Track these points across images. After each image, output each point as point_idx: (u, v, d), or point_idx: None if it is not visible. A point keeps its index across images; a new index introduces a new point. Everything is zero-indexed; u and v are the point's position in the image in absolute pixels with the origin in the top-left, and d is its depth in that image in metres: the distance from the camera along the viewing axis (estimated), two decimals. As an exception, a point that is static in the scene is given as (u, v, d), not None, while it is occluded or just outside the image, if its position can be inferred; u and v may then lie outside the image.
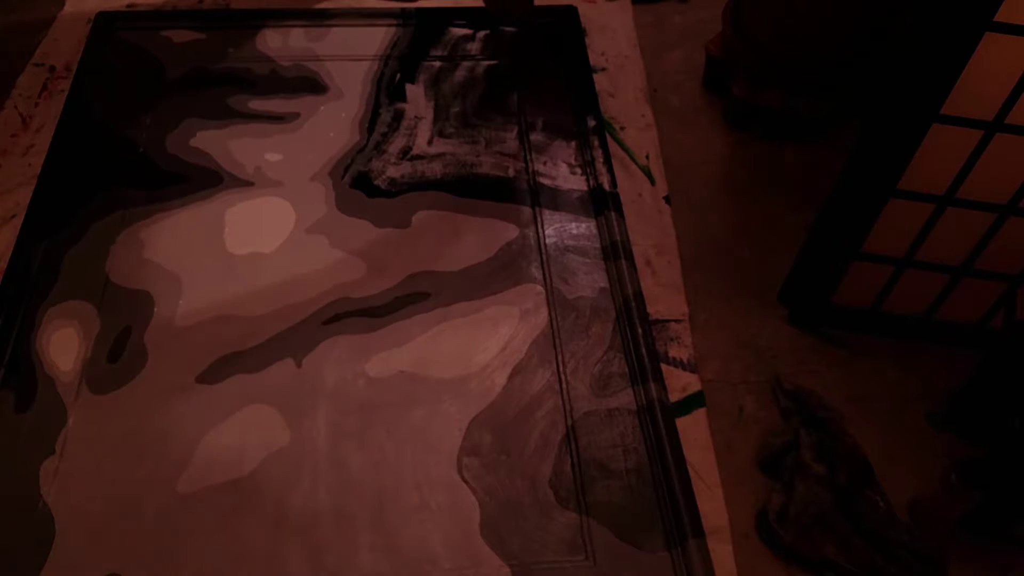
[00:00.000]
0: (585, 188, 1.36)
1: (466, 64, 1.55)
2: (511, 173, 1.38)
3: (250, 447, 1.06)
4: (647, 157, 1.43)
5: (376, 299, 1.21)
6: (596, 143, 1.41)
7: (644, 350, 1.14)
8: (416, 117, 1.46)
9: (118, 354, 1.14)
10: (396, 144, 1.41)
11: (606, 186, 1.34)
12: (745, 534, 1.04)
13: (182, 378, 1.12)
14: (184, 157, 1.37)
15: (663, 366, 1.15)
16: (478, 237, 1.29)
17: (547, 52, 1.58)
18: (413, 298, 1.21)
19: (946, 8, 0.86)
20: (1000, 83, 0.90)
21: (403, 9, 1.62)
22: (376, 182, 1.36)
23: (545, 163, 1.39)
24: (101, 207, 1.29)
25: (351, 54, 1.55)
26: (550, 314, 1.20)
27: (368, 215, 1.31)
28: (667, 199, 1.37)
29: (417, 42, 1.58)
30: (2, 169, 1.36)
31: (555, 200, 1.34)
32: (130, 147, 1.38)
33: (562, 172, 1.38)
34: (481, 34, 1.60)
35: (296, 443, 1.07)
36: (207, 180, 1.34)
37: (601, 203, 1.32)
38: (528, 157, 1.40)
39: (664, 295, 1.24)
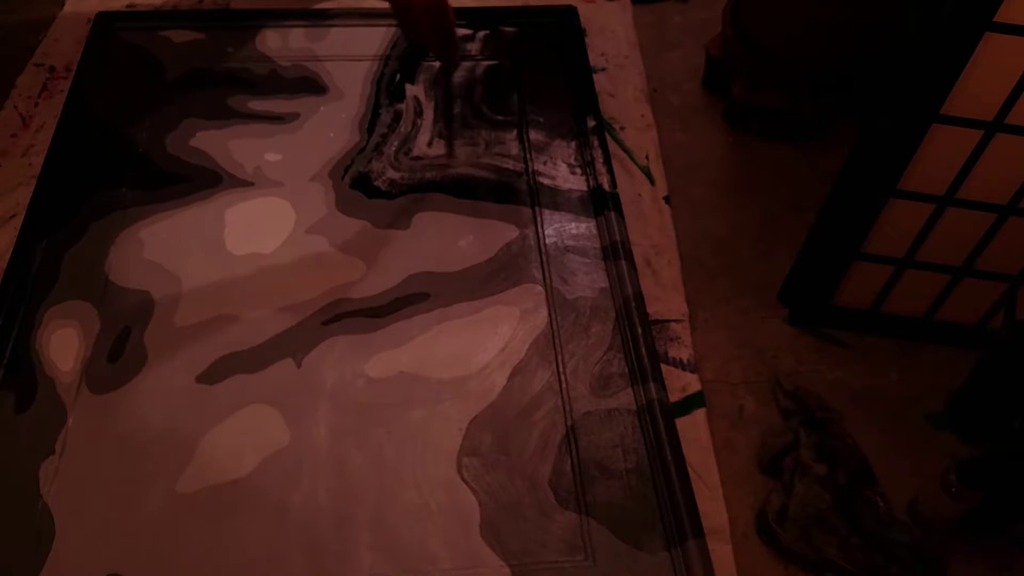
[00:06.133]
0: (585, 188, 1.36)
1: (466, 64, 1.55)
2: (511, 174, 1.38)
3: (250, 447, 1.06)
4: (647, 157, 1.43)
5: (376, 299, 1.21)
6: (596, 143, 1.41)
7: (644, 350, 1.14)
8: (416, 118, 1.46)
9: (118, 354, 1.14)
10: (396, 145, 1.41)
11: (606, 186, 1.34)
12: (745, 534, 1.04)
13: (182, 378, 1.12)
14: (184, 157, 1.37)
15: (663, 366, 1.15)
16: (478, 237, 1.29)
17: (547, 52, 1.58)
18: (413, 298, 1.21)
19: (946, 8, 0.86)
20: (1000, 83, 0.90)
21: (403, 9, 1.62)
22: (376, 183, 1.36)
23: (545, 163, 1.39)
24: (101, 207, 1.29)
25: (351, 54, 1.55)
26: (550, 314, 1.20)
27: (368, 216, 1.31)
28: (667, 199, 1.37)
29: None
30: (2, 169, 1.36)
31: (555, 200, 1.34)
32: (130, 147, 1.38)
33: (562, 172, 1.38)
34: (481, 34, 1.60)
35: (296, 443, 1.07)
36: (207, 180, 1.34)
37: (601, 203, 1.32)
38: (528, 157, 1.40)
39: (664, 295, 1.24)
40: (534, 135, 1.44)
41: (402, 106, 1.47)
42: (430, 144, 1.42)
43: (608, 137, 1.44)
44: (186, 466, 1.04)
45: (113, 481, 1.03)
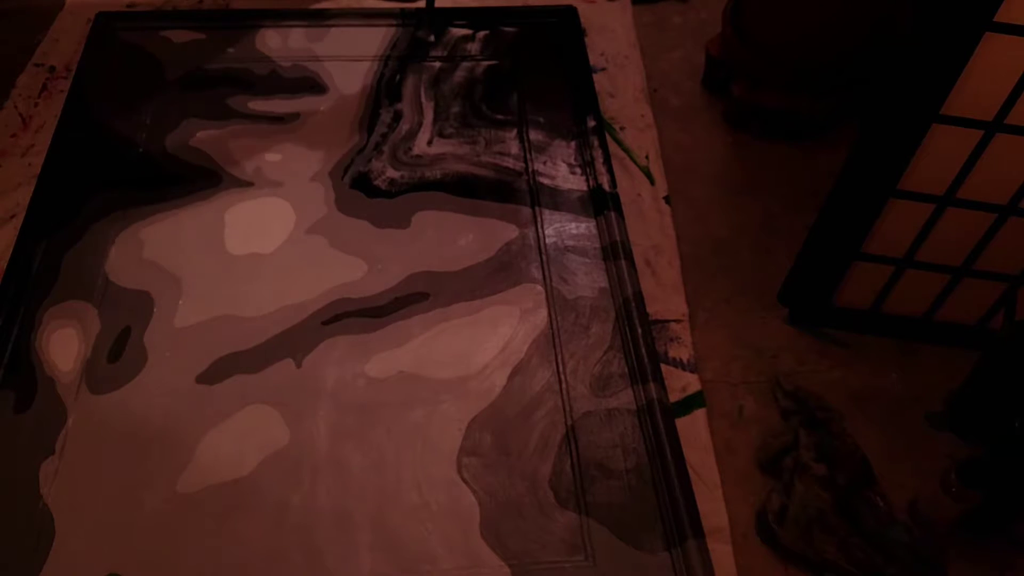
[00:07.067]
0: (585, 188, 1.36)
1: (466, 64, 1.55)
2: (511, 173, 1.38)
3: (250, 447, 1.06)
4: (647, 157, 1.43)
5: (376, 299, 1.21)
6: (596, 143, 1.41)
7: (644, 350, 1.14)
8: (416, 117, 1.46)
9: (118, 354, 1.14)
10: (396, 144, 1.41)
11: (606, 186, 1.34)
12: (745, 534, 1.04)
13: (182, 378, 1.12)
14: (184, 157, 1.37)
15: (663, 366, 1.15)
16: (478, 237, 1.29)
17: (547, 52, 1.58)
18: (413, 298, 1.21)
19: (946, 8, 0.86)
20: (1000, 83, 0.90)
21: (403, 9, 1.62)
22: (376, 182, 1.36)
23: (545, 163, 1.39)
24: (101, 207, 1.29)
25: (351, 54, 1.55)
26: (550, 314, 1.20)
27: (368, 215, 1.31)
28: (667, 199, 1.37)
29: (417, 42, 1.58)
30: (2, 169, 1.36)
31: (555, 200, 1.34)
32: (130, 147, 1.38)
33: (562, 172, 1.38)
34: (481, 34, 1.60)
35: (296, 443, 1.07)
36: (207, 180, 1.34)
37: (601, 203, 1.32)
38: (528, 157, 1.40)
39: (664, 295, 1.24)
40: (534, 135, 1.44)
41: (402, 106, 1.47)
42: (430, 143, 1.42)
43: (608, 137, 1.44)
44: (186, 466, 1.04)
45: (113, 481, 1.03)
